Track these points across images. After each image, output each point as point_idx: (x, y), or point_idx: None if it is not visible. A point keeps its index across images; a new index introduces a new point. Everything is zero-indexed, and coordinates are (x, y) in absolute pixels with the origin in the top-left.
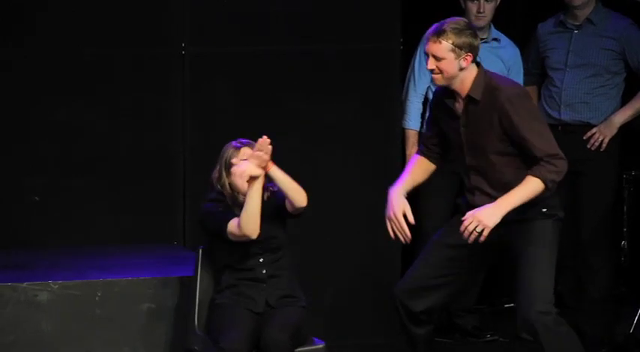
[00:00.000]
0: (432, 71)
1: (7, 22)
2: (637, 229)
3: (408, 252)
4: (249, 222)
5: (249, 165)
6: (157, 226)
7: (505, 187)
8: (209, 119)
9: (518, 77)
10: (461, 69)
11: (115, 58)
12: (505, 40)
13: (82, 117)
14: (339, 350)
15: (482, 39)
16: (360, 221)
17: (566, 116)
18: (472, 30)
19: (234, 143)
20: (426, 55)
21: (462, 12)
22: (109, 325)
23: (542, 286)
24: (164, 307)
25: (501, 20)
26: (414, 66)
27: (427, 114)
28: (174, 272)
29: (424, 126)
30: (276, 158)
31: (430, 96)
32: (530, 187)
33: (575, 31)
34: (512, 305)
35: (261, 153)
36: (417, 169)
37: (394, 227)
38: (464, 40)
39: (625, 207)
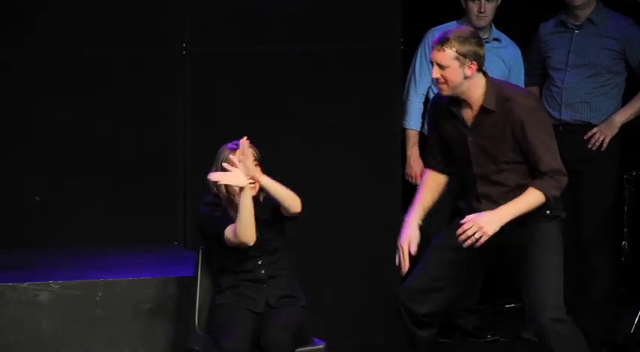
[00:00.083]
0: (437, 80)
1: (7, 22)
2: (637, 229)
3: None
4: (244, 230)
5: (235, 175)
6: (158, 226)
7: (512, 194)
8: (209, 119)
9: (520, 77)
10: (465, 77)
11: (115, 58)
12: (506, 40)
13: (82, 117)
14: (339, 350)
15: (483, 39)
16: (360, 221)
17: (567, 116)
18: (477, 39)
19: (230, 145)
20: (431, 63)
21: (462, 12)
22: (109, 325)
23: (553, 291)
24: (165, 307)
25: (502, 20)
26: (414, 66)
27: (427, 123)
28: (174, 273)
29: (424, 127)
30: (276, 158)
31: (431, 96)
32: (532, 199)
33: (576, 31)
34: (512, 305)
35: (246, 162)
36: (428, 191)
37: (399, 256)
38: (468, 48)
39: (625, 207)
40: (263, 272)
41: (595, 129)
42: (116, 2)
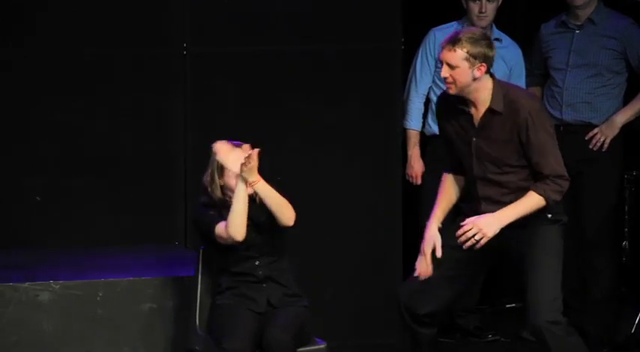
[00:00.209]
0: (445, 79)
1: (7, 22)
2: (638, 229)
3: (409, 251)
4: (234, 222)
5: (234, 159)
6: (158, 226)
7: (513, 196)
8: (209, 119)
9: (521, 77)
10: (474, 79)
11: (115, 58)
12: (507, 40)
13: (82, 117)
14: (339, 350)
15: None
16: (360, 221)
17: (568, 116)
18: (488, 40)
19: None
20: (441, 62)
21: (463, 12)
22: (110, 325)
23: (550, 295)
24: (165, 307)
25: (503, 20)
26: (415, 66)
27: (429, 121)
28: (175, 273)
29: (425, 127)
30: (276, 158)
31: (432, 96)
32: (532, 203)
33: (577, 31)
34: (513, 305)
35: (249, 163)
36: (448, 190)
37: (422, 264)
38: (479, 49)
39: (626, 207)
40: (260, 273)
41: (596, 130)
42: (116, 2)
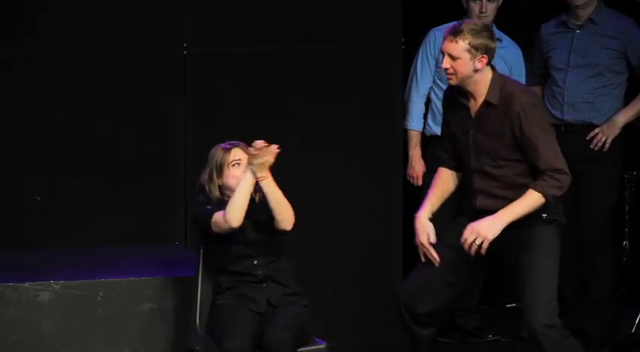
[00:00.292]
0: (446, 70)
1: (7, 22)
2: (638, 229)
3: (410, 251)
4: (233, 207)
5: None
6: (158, 226)
7: (509, 191)
8: (210, 119)
9: (521, 77)
10: (475, 70)
11: (115, 58)
12: (507, 40)
13: (82, 117)
14: (339, 350)
15: None
16: (360, 221)
17: (569, 116)
18: (490, 32)
19: (223, 145)
20: (442, 53)
21: (463, 12)
22: (110, 325)
23: (545, 297)
24: (165, 307)
25: (503, 20)
26: (416, 66)
27: (442, 118)
28: (175, 273)
29: (425, 127)
30: (276, 158)
31: (433, 96)
32: (531, 201)
33: (577, 31)
34: (513, 305)
35: (266, 156)
36: (441, 185)
37: (424, 253)
38: (480, 41)
39: (627, 207)
40: (259, 272)
41: (597, 130)
42: (116, 2)
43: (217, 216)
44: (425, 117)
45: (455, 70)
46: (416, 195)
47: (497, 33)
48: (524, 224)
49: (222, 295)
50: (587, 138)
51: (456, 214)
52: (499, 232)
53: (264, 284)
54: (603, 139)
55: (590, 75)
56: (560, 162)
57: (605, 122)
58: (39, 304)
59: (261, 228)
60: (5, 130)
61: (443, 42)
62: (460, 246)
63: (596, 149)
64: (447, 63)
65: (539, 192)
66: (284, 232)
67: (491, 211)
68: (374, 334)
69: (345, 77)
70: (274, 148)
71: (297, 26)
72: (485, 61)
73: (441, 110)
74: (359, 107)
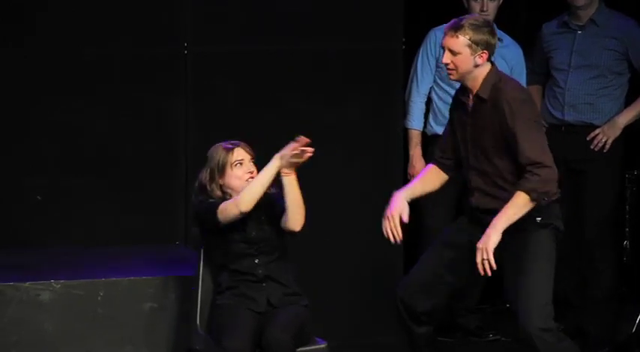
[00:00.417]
0: (446, 65)
1: (7, 22)
2: (639, 229)
3: (410, 251)
4: (249, 193)
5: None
6: (158, 226)
7: (504, 190)
8: (210, 118)
9: (521, 77)
10: (476, 66)
11: (115, 58)
12: (508, 40)
13: (82, 117)
14: (339, 349)
15: None
16: (360, 221)
17: (570, 117)
18: (490, 28)
19: (224, 145)
20: (442, 48)
21: (464, 12)
22: (111, 324)
23: (541, 300)
24: (166, 307)
25: (504, 20)
26: (416, 66)
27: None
28: (176, 272)
29: (427, 127)
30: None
31: (433, 96)
32: (518, 201)
33: (579, 32)
34: None
35: (302, 154)
36: (427, 178)
37: (388, 226)
38: (481, 36)
39: (627, 207)
40: (260, 272)
41: (598, 131)
42: (116, 2)
43: (226, 203)
44: (426, 117)
45: (455, 66)
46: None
47: (498, 32)
48: (519, 227)
49: (223, 295)
50: (588, 139)
51: (456, 214)
52: (498, 240)
53: (264, 284)
54: (604, 140)
55: (592, 76)
56: (541, 156)
57: (605, 123)
58: (40, 304)
59: (264, 227)
60: (5, 130)
61: (443, 37)
62: (460, 245)
63: (596, 150)
64: (447, 58)
65: (523, 190)
66: (291, 232)
67: (486, 210)
68: (374, 334)
69: (345, 77)
70: (310, 152)
71: (297, 26)
72: (485, 56)
73: (442, 110)
74: (359, 107)
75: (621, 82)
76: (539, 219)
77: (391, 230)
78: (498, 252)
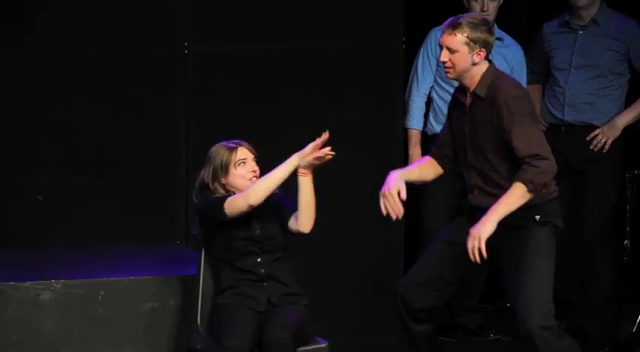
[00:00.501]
0: (444, 63)
1: (7, 22)
2: (639, 228)
3: (410, 251)
4: (260, 187)
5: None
6: (159, 226)
7: (502, 187)
8: (211, 118)
9: (522, 77)
10: (473, 64)
11: (115, 58)
12: (508, 39)
13: (82, 117)
14: (340, 349)
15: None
16: (360, 221)
17: (570, 117)
18: (488, 26)
19: (226, 144)
20: (440, 47)
21: (465, 12)
22: (111, 324)
23: (541, 298)
24: (167, 306)
25: (504, 19)
26: (416, 66)
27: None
28: (176, 272)
29: (427, 126)
30: (277, 158)
31: (434, 95)
32: (516, 193)
33: (580, 32)
34: None
35: (321, 156)
36: (424, 166)
37: (387, 203)
38: (479, 35)
39: (628, 207)
40: (262, 271)
41: (597, 131)
42: (116, 2)
43: (234, 197)
44: (426, 116)
45: (453, 63)
46: (416, 195)
47: (499, 32)
48: (518, 225)
49: (223, 294)
50: (588, 139)
51: (456, 213)
52: (493, 230)
53: (265, 283)
54: (603, 140)
55: (592, 76)
56: (539, 148)
57: (605, 123)
58: (40, 303)
59: (268, 226)
60: (5, 130)
61: (441, 35)
62: (459, 244)
63: (595, 150)
64: (445, 56)
65: (521, 181)
66: (298, 233)
67: (485, 208)
68: (374, 334)
69: (345, 77)
70: (331, 154)
71: (297, 26)
72: (483, 54)
73: (443, 109)
74: (359, 107)
75: (621, 83)
76: (539, 217)
77: (390, 206)
78: (497, 249)
